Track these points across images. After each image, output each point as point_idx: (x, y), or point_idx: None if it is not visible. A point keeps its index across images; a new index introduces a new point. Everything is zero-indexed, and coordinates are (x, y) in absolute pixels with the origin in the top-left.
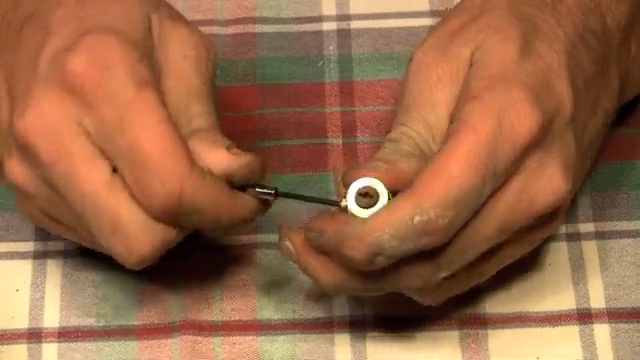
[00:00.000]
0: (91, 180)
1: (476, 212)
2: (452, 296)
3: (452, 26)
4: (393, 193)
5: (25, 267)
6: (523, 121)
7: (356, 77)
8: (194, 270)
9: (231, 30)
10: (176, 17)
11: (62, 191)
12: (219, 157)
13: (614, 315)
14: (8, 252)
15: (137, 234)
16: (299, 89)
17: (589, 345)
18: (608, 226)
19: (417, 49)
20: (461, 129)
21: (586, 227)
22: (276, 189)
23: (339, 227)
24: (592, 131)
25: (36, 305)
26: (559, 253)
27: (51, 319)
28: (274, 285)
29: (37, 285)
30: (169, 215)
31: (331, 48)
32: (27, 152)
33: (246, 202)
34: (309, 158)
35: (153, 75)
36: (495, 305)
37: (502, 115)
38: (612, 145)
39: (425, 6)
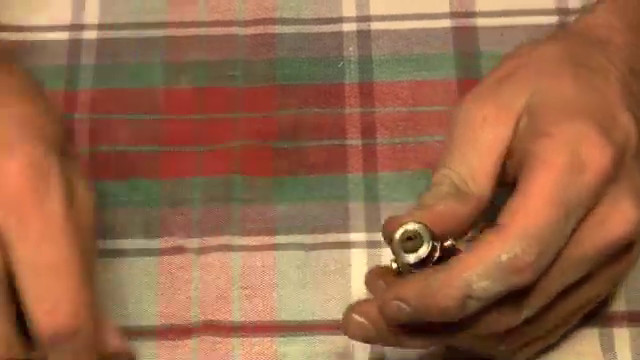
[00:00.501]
0: None
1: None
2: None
3: (502, 74)
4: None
5: None
6: (596, 153)
7: (376, 78)
8: (212, 270)
9: (251, 31)
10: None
11: None
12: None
13: None
14: None
15: None
16: (319, 90)
17: None
18: None
19: (465, 95)
20: (535, 166)
21: None
22: None
23: (422, 284)
24: None
25: None
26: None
27: None
28: (293, 286)
29: None
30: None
31: (351, 49)
32: None
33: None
34: (328, 159)
35: None
36: None
37: (575, 148)
38: None
39: (445, 8)
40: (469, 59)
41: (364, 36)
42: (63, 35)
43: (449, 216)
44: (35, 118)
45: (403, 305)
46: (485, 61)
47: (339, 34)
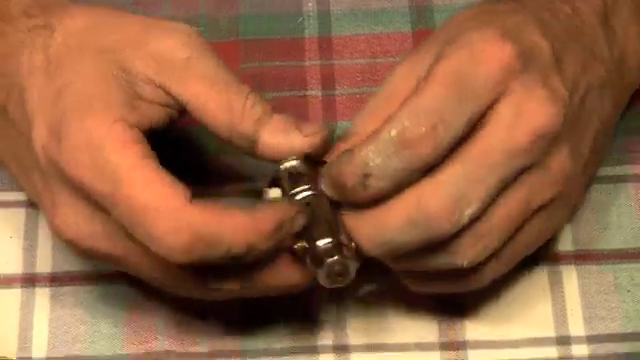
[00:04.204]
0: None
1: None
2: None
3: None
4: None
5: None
6: (495, 48)
7: (334, 32)
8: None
9: None
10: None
11: None
12: (297, 144)
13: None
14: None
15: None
16: (280, 44)
17: None
18: None
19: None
20: (435, 62)
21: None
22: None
23: (331, 165)
24: (584, 91)
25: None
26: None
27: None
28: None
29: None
30: (196, 258)
31: (310, 5)
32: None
33: (269, 213)
34: (289, 110)
35: (134, 131)
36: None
37: (474, 46)
38: None
39: None
40: (423, 12)
41: None
42: None
43: None
44: None
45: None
46: (438, 14)
47: None
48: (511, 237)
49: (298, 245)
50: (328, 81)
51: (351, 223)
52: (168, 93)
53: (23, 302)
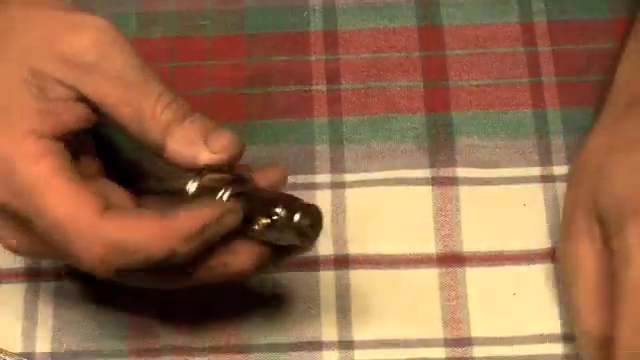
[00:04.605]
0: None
1: None
2: None
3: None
4: None
5: None
6: None
7: (340, 26)
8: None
9: None
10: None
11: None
12: (202, 158)
13: None
14: None
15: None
16: (285, 38)
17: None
18: None
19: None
20: (618, 274)
21: (560, 170)
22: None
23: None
24: None
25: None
26: (535, 194)
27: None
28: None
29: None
30: (116, 270)
31: None
32: None
33: (191, 216)
34: (295, 104)
35: (46, 142)
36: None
37: None
38: (584, 91)
39: None
40: (429, 7)
41: None
42: None
43: None
44: None
45: None
46: (444, 8)
47: None
48: None
49: (256, 227)
50: (333, 75)
51: None
52: (80, 94)
53: (27, 296)
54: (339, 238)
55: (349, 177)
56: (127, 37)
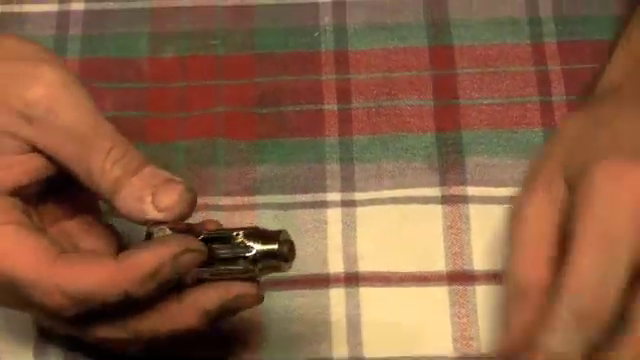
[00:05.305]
0: None
1: None
2: None
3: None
4: None
5: None
6: (630, 183)
7: (351, 47)
8: None
9: (230, 2)
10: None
11: None
12: (150, 215)
13: None
14: None
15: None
16: (296, 58)
17: None
18: None
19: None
20: (576, 220)
21: None
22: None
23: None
24: None
25: None
26: None
27: None
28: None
29: None
30: (76, 312)
31: (326, 19)
32: None
33: (142, 258)
34: (306, 124)
35: None
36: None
37: (608, 190)
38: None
39: None
40: (440, 27)
41: (339, 6)
42: (52, 7)
43: None
44: None
45: None
46: (455, 29)
47: (315, 5)
48: None
49: (233, 266)
50: (344, 95)
51: None
52: (35, 147)
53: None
54: (349, 256)
55: (359, 196)
56: (81, 83)
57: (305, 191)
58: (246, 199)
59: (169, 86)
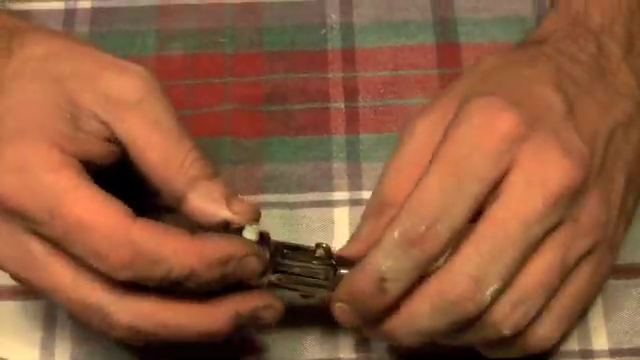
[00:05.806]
0: (59, 285)
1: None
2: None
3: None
4: None
5: None
6: (496, 119)
7: (358, 44)
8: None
9: (238, 0)
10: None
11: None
12: (222, 214)
13: None
14: None
15: (111, 312)
16: (303, 56)
17: None
18: None
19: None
20: (439, 144)
21: None
22: (263, 233)
23: (345, 282)
24: (608, 133)
25: None
26: None
27: None
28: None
29: None
30: (137, 275)
31: (333, 16)
32: None
33: (218, 244)
34: (313, 122)
35: (70, 157)
36: None
37: (474, 121)
38: None
39: None
40: (446, 25)
41: (346, 4)
42: (59, 4)
43: None
44: None
45: (344, 305)
46: (461, 26)
47: (322, 2)
48: (555, 295)
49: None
50: (351, 93)
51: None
52: (112, 131)
53: (47, 312)
54: None
55: (367, 194)
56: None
57: (312, 190)
58: (252, 198)
59: (176, 84)
